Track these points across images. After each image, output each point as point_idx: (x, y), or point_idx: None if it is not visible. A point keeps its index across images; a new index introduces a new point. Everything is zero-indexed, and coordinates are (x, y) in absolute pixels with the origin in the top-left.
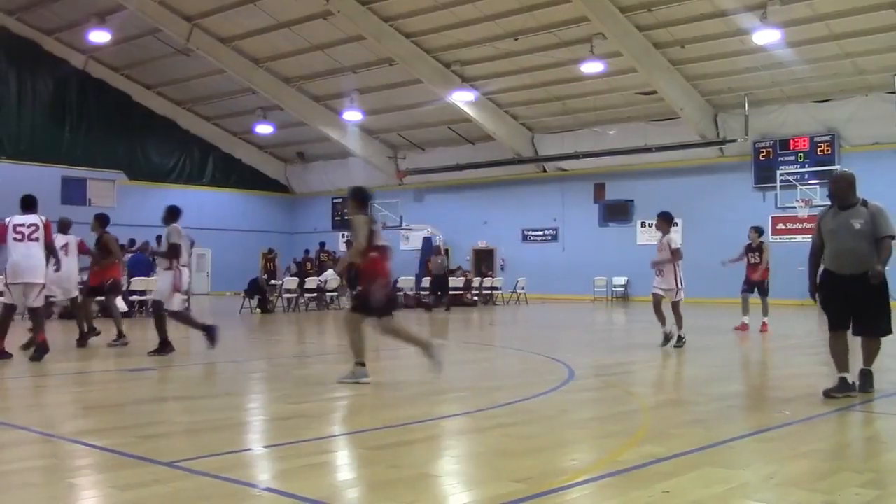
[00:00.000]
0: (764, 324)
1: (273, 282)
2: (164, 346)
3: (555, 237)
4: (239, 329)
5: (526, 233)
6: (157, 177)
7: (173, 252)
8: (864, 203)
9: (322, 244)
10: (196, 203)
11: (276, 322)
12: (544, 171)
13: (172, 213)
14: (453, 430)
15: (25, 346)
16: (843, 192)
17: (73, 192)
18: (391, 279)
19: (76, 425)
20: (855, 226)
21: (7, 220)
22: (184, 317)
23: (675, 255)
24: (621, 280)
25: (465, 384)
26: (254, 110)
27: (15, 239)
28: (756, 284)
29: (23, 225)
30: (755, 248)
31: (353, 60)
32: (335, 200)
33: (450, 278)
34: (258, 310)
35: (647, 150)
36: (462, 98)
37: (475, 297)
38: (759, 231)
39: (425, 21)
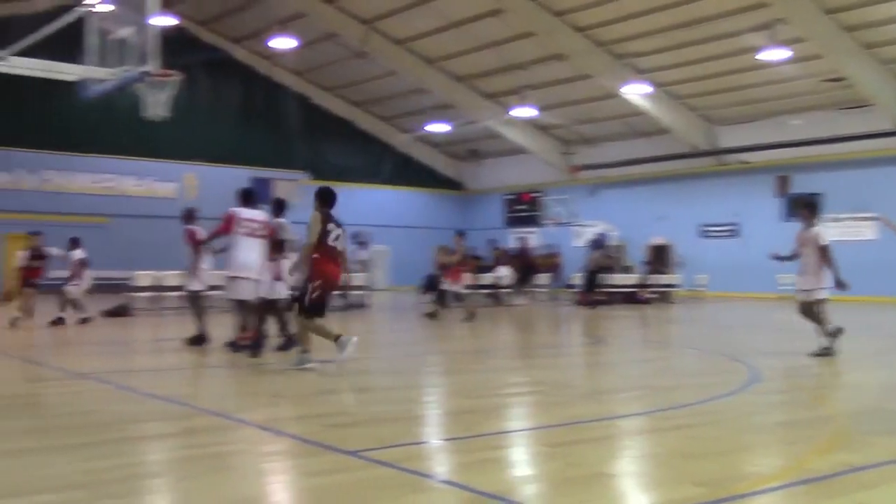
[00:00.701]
0: None
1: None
2: (290, 342)
3: (735, 232)
4: (415, 323)
5: (704, 228)
6: (336, 176)
7: (281, 246)
8: None
9: (493, 241)
10: (373, 201)
11: (452, 317)
12: (723, 164)
13: (280, 206)
14: (631, 430)
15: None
16: None
17: (261, 192)
18: (336, 283)
19: (266, 413)
20: None
21: (233, 210)
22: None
23: (824, 253)
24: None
25: (642, 383)
26: (428, 109)
27: (243, 233)
28: None
29: (252, 220)
30: None
31: (524, 57)
32: (507, 197)
33: (620, 275)
34: (434, 305)
35: (837, 139)
36: (636, 91)
37: (650, 295)
38: None
39: (597, 14)
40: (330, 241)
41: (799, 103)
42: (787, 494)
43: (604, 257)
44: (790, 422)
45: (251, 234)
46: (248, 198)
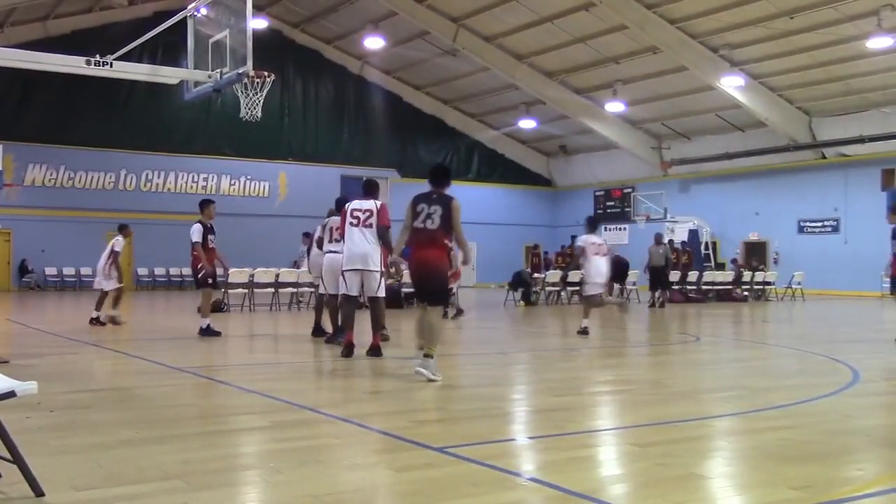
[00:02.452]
0: None
1: (536, 275)
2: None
3: (835, 228)
4: (503, 320)
5: (802, 224)
6: (426, 174)
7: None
8: None
9: (573, 237)
10: (462, 197)
11: (540, 314)
12: (823, 157)
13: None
14: (724, 431)
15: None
16: None
17: (351, 190)
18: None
19: (356, 409)
20: None
21: (347, 205)
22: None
23: None
24: None
25: (737, 383)
26: (517, 105)
27: (351, 224)
28: None
29: (360, 210)
30: None
31: (615, 51)
32: (597, 193)
33: (690, 272)
34: (522, 302)
35: None
36: (731, 83)
37: (746, 293)
38: None
39: (691, 5)
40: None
41: None
42: (890, 500)
43: (662, 254)
44: (892, 425)
45: (360, 224)
46: (367, 189)
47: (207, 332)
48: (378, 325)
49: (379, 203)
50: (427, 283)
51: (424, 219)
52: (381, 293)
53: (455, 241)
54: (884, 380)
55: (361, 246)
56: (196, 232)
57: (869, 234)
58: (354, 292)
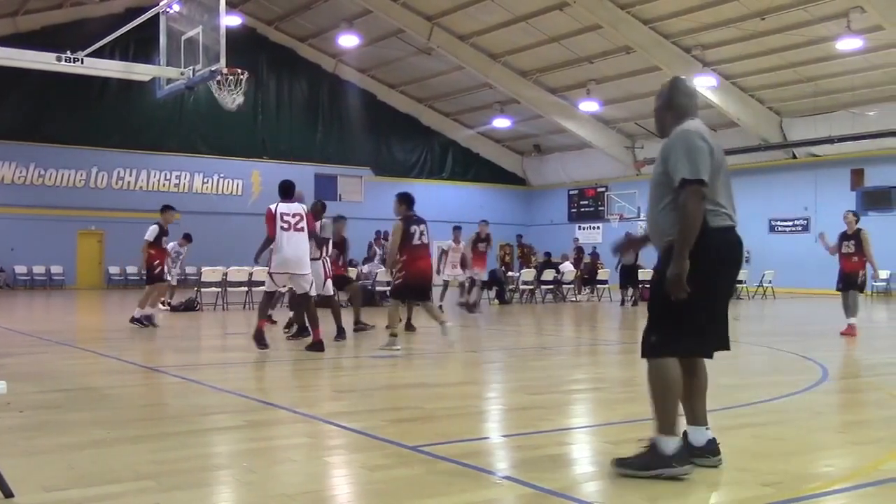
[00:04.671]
0: (850, 326)
1: (511, 273)
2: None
3: (806, 227)
4: (478, 319)
5: (773, 223)
6: (400, 172)
7: (321, 243)
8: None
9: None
10: (437, 197)
11: (514, 313)
12: (794, 157)
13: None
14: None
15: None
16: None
17: (326, 188)
18: (427, 275)
19: (330, 407)
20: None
21: (272, 206)
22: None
23: None
24: (883, 273)
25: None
26: (491, 104)
27: (282, 228)
28: (850, 279)
29: (288, 214)
30: (851, 236)
31: (589, 50)
32: (571, 192)
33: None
34: (496, 301)
35: None
36: (703, 83)
37: None
38: (857, 215)
39: (664, 6)
40: (414, 242)
41: (874, 94)
42: (859, 496)
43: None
44: (862, 421)
45: (291, 229)
46: (286, 191)
47: (140, 321)
48: (314, 322)
49: (304, 207)
50: (429, 284)
51: (419, 236)
52: (313, 291)
53: None
54: (852, 377)
55: (295, 250)
56: (151, 232)
57: (838, 234)
58: (272, 289)
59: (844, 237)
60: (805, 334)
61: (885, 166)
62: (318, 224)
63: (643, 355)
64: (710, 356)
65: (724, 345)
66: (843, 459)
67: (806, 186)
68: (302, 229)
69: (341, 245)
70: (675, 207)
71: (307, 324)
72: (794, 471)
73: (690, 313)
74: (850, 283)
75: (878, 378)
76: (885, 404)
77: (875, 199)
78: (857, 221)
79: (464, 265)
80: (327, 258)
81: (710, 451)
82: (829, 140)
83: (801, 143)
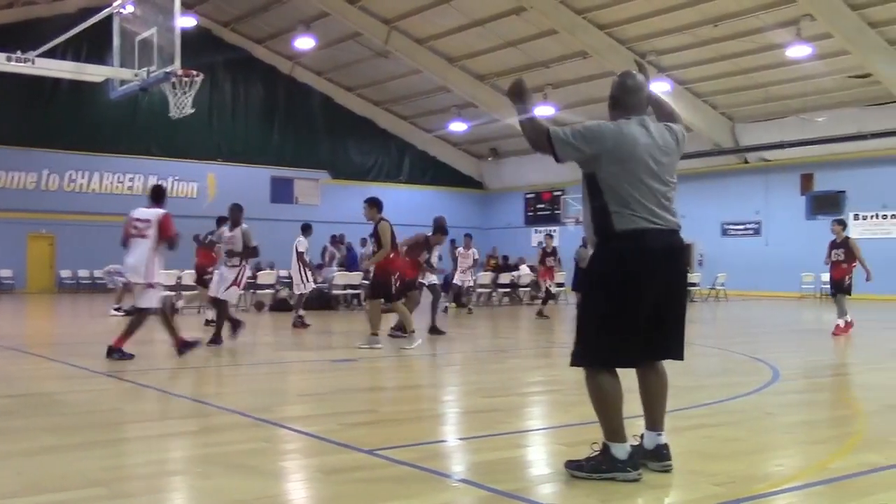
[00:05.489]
0: (837, 326)
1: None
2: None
3: (757, 231)
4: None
5: (726, 226)
6: (357, 175)
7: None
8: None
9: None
10: (393, 200)
11: (471, 316)
12: (746, 161)
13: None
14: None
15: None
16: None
17: (282, 192)
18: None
19: (286, 412)
20: None
21: (131, 212)
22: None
23: None
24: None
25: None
26: (449, 108)
27: (132, 234)
28: (837, 284)
29: (140, 219)
30: (839, 244)
31: (545, 55)
32: (528, 196)
33: None
34: (452, 304)
35: (862, 137)
36: (658, 88)
37: None
38: (843, 224)
39: (619, 11)
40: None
41: (824, 100)
42: (808, 494)
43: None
44: (811, 421)
45: (137, 235)
46: (151, 196)
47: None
48: (129, 333)
49: (162, 213)
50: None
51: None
52: (147, 304)
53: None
54: (802, 378)
55: (134, 257)
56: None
57: (788, 237)
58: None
59: (834, 245)
60: (756, 336)
61: (834, 171)
62: (236, 231)
63: (570, 364)
64: (635, 366)
65: (659, 353)
66: (793, 459)
67: (757, 191)
68: (145, 237)
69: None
70: (594, 209)
71: (219, 331)
72: (745, 471)
73: (602, 322)
74: (839, 287)
75: (827, 379)
76: (833, 404)
77: (823, 204)
78: (843, 230)
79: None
80: (247, 267)
81: (657, 456)
82: (780, 145)
83: (753, 148)
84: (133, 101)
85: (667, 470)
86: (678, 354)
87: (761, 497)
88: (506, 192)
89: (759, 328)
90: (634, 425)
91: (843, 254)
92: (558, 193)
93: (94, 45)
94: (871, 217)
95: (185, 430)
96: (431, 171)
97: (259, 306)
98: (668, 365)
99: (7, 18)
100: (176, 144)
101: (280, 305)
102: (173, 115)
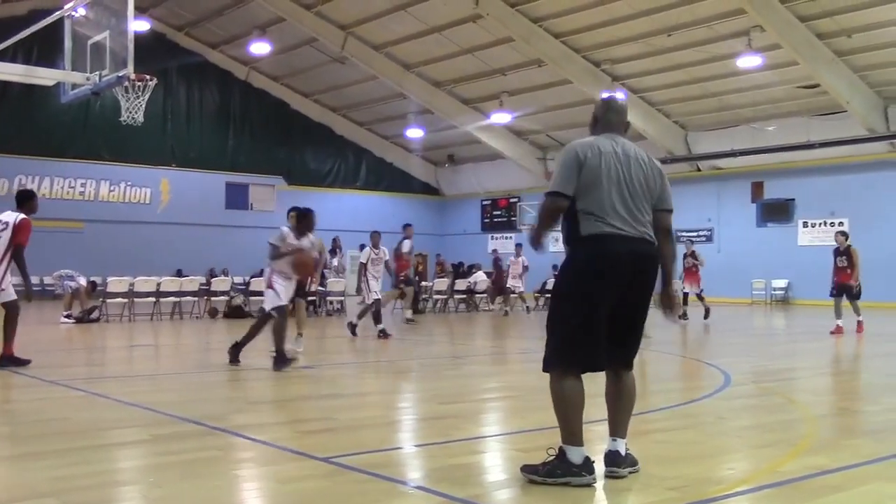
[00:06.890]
0: (859, 323)
1: (424, 283)
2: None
3: (709, 238)
4: (390, 329)
5: (679, 234)
6: (313, 181)
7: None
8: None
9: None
10: (350, 206)
11: (427, 323)
12: (698, 169)
13: None
14: (603, 435)
15: None
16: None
17: (237, 197)
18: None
19: (240, 420)
20: None
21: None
22: None
23: None
24: (781, 283)
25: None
26: (405, 115)
27: None
28: (844, 288)
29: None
30: (843, 252)
31: (502, 62)
32: (484, 203)
33: None
34: (409, 310)
35: (810, 146)
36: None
37: None
38: (845, 235)
39: (575, 20)
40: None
41: (773, 110)
42: (758, 498)
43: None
44: (762, 425)
45: None
46: (16, 200)
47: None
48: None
49: (20, 217)
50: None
51: None
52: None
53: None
54: (752, 382)
55: None
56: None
57: (740, 244)
58: None
59: (838, 253)
60: (708, 341)
61: (784, 179)
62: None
63: (542, 369)
64: (600, 369)
65: (619, 357)
66: (744, 462)
67: (709, 198)
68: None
69: None
70: (565, 216)
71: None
72: (698, 474)
73: (569, 325)
74: (842, 291)
75: (777, 383)
76: (782, 408)
77: (773, 211)
78: (846, 239)
79: (390, 272)
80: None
81: (612, 462)
82: (732, 153)
83: (705, 156)
84: (85, 106)
85: (620, 476)
86: (630, 362)
87: (714, 500)
88: (462, 198)
89: (711, 334)
90: (592, 430)
91: (847, 260)
92: (514, 200)
93: (45, 48)
94: (820, 224)
95: (137, 438)
96: (388, 178)
97: (213, 313)
98: None
99: None
100: (128, 149)
101: (235, 312)
102: (125, 119)
